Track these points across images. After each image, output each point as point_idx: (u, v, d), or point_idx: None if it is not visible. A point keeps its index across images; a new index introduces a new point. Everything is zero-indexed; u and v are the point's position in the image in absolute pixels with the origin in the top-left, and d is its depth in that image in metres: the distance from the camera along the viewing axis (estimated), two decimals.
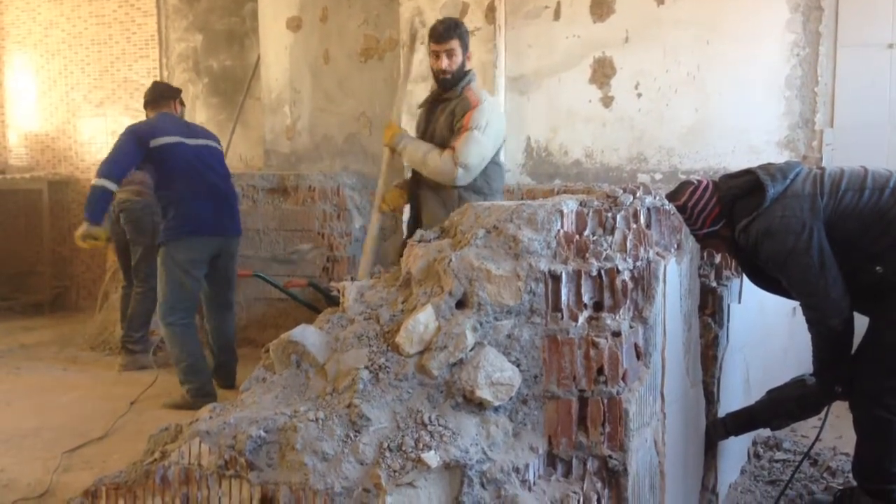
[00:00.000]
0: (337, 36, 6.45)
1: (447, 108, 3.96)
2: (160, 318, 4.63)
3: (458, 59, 3.95)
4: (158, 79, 7.50)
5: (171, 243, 4.54)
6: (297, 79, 6.59)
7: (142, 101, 5.05)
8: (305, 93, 6.55)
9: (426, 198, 4.02)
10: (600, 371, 2.17)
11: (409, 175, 4.27)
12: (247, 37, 7.34)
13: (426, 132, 4.07)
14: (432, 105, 4.10)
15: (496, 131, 3.96)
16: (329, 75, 6.47)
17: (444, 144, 3.91)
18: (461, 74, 3.98)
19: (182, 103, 5.03)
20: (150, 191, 5.05)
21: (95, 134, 8.07)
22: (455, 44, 3.93)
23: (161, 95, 4.91)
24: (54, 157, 8.29)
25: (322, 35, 6.50)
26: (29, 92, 8.32)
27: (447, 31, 3.94)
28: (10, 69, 8.37)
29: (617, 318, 2.23)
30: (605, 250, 2.29)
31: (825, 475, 3.51)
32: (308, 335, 2.33)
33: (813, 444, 3.23)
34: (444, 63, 3.93)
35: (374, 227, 4.20)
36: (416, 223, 4.07)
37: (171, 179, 4.57)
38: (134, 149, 4.50)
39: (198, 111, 7.55)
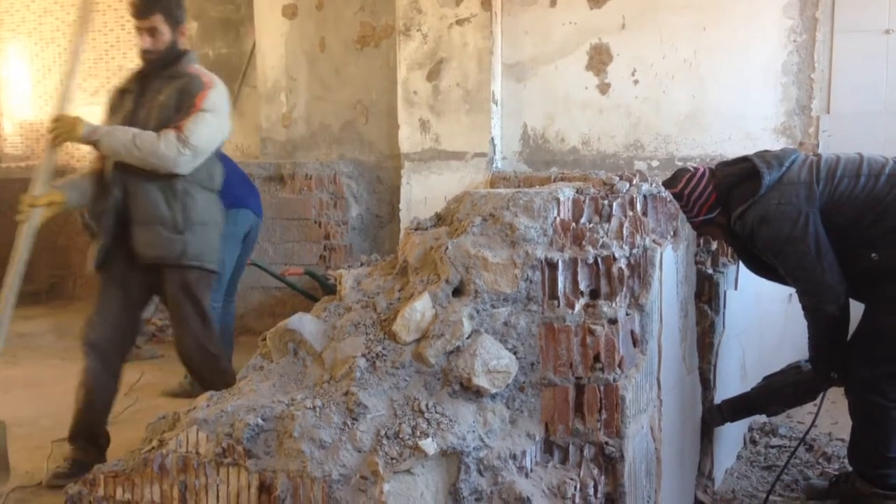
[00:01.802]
0: (333, 23, 6.42)
1: (171, 87, 3.36)
2: None
3: (165, 37, 3.36)
4: None
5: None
6: (293, 67, 6.55)
7: None
8: (301, 81, 6.52)
9: (140, 192, 3.34)
10: (597, 358, 2.17)
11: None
12: (242, 24, 7.29)
13: (134, 117, 3.37)
14: (142, 85, 3.44)
15: (225, 121, 3.46)
16: (325, 63, 6.44)
17: (161, 128, 3.29)
18: (173, 54, 3.42)
19: None
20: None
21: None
22: (157, 20, 3.33)
23: None
24: None
25: (318, 22, 6.46)
26: (23, 80, 8.27)
27: (145, 5, 3.33)
28: (4, 57, 8.32)
29: (613, 305, 2.23)
30: (602, 238, 2.29)
31: (821, 461, 3.53)
32: (305, 323, 2.33)
33: (809, 429, 3.24)
34: (146, 42, 3.35)
35: (29, 237, 3.52)
36: (119, 224, 3.39)
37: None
38: None
39: None
